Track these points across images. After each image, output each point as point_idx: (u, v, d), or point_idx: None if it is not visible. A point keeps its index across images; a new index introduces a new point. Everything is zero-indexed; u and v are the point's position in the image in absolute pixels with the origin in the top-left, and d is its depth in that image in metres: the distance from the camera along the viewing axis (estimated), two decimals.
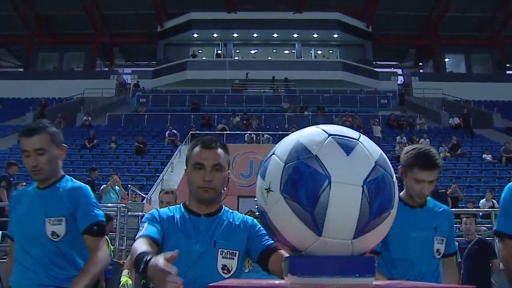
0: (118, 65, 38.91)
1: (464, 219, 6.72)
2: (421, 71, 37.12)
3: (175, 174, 15.61)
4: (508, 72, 35.59)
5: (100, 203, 10.31)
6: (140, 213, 9.40)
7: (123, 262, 6.43)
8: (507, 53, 34.54)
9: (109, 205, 9.64)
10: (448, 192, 12.09)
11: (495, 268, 6.33)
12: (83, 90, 29.80)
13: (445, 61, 35.99)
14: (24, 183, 11.85)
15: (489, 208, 12.60)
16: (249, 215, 2.37)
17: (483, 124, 24.43)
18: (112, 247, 7.29)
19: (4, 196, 9.46)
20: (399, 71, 37.96)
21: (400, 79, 36.00)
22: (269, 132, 21.45)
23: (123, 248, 8.46)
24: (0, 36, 34.69)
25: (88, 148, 19.98)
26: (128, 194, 11.39)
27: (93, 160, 18.59)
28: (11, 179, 9.90)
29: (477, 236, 6.61)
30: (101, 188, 11.06)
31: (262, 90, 31.26)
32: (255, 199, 1.60)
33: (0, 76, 32.66)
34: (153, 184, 14.36)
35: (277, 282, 1.69)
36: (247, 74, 32.12)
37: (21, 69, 35.71)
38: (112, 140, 20.84)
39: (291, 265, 1.52)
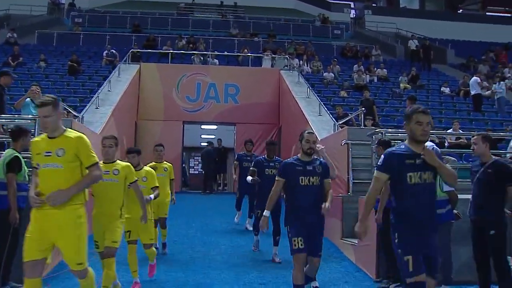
0: None
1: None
2: (374, 5, 35.82)
3: (113, 93, 13.78)
4: (458, 11, 35.01)
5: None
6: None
7: None
8: None
9: (30, 116, 7.90)
10: None
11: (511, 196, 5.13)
12: (8, 6, 26.58)
13: None
14: None
15: (456, 139, 11.87)
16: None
17: (437, 59, 23.82)
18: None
19: None
20: (352, 4, 36.47)
21: (352, 13, 34.63)
22: (217, 53, 19.78)
23: None
24: None
25: (12, 66, 17.60)
26: None
27: (18, 79, 16.32)
28: None
29: (493, 157, 5.30)
30: (18, 101, 9.22)
31: (209, 15, 29.15)
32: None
33: None
34: (86, 105, 12.53)
35: None
36: None
37: None
38: (41, 59, 18.67)
39: None
